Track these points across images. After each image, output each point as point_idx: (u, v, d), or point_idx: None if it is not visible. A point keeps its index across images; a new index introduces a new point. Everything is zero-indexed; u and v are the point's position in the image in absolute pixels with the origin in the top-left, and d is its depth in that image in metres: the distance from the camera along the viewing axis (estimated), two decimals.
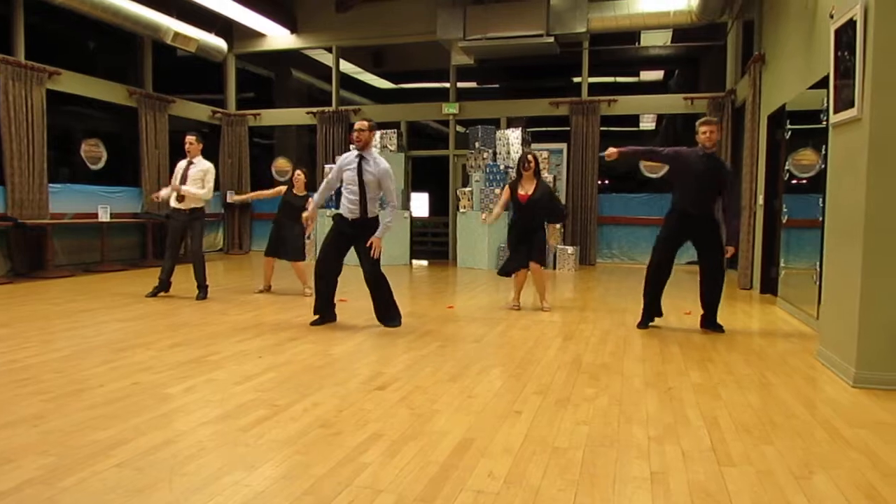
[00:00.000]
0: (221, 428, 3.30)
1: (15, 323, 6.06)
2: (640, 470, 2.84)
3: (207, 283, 7.77)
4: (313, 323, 6.12)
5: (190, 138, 7.67)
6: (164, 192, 7.87)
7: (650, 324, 6.21)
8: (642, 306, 6.24)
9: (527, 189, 6.92)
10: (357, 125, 5.91)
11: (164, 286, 7.75)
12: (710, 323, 6.05)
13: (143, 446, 3.03)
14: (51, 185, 10.30)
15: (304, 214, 6.49)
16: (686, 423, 3.45)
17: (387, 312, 6.12)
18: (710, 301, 6.01)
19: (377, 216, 5.99)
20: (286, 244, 8.03)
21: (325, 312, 6.16)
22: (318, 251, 6.19)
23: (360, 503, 2.51)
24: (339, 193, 6.35)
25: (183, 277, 8.05)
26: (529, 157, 6.96)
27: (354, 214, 5.89)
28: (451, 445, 3.10)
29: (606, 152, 6.15)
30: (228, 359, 4.78)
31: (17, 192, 9.69)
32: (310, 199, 7.89)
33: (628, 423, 3.44)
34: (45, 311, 6.81)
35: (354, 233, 5.91)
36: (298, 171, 8.16)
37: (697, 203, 5.87)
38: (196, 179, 7.57)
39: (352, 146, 6.10)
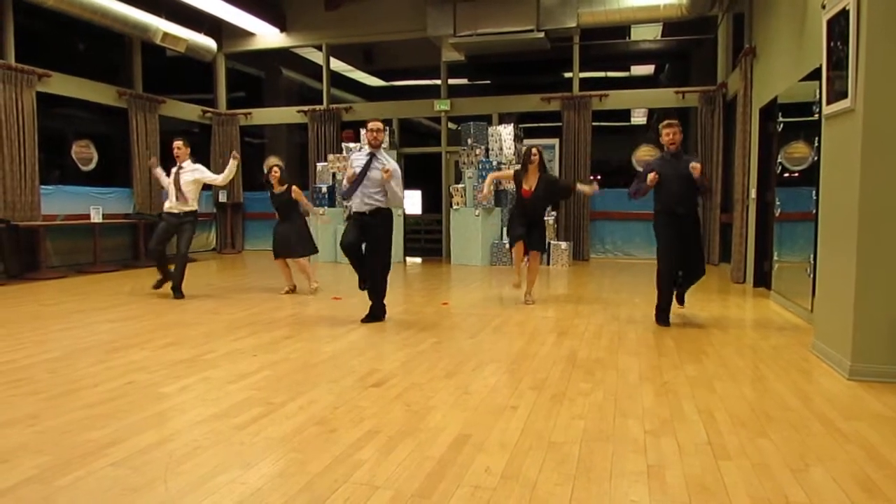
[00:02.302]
0: (217, 426, 3.29)
1: (9, 324, 6.04)
2: (637, 464, 2.84)
3: (183, 286, 7.74)
4: (365, 319, 6.17)
5: (177, 143, 7.68)
6: (159, 172, 7.94)
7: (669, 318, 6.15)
8: (657, 305, 6.12)
9: (530, 184, 7.03)
10: (373, 126, 6.07)
11: (166, 277, 7.81)
12: (679, 298, 6.34)
13: (139, 445, 3.02)
14: (42, 186, 10.26)
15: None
16: (682, 417, 3.45)
17: (373, 291, 6.24)
18: (687, 276, 6.21)
19: (389, 209, 6.15)
20: (290, 243, 7.95)
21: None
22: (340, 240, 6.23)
23: (356, 500, 2.50)
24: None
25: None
26: (534, 150, 7.10)
27: (370, 207, 6.04)
28: (448, 441, 3.09)
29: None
30: (223, 357, 4.77)
31: (8, 195, 9.67)
32: (293, 189, 7.90)
33: (624, 418, 3.44)
34: (39, 311, 6.78)
35: (370, 222, 6.04)
36: (275, 169, 8.03)
37: (683, 202, 5.94)
38: (188, 182, 7.61)
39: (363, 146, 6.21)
